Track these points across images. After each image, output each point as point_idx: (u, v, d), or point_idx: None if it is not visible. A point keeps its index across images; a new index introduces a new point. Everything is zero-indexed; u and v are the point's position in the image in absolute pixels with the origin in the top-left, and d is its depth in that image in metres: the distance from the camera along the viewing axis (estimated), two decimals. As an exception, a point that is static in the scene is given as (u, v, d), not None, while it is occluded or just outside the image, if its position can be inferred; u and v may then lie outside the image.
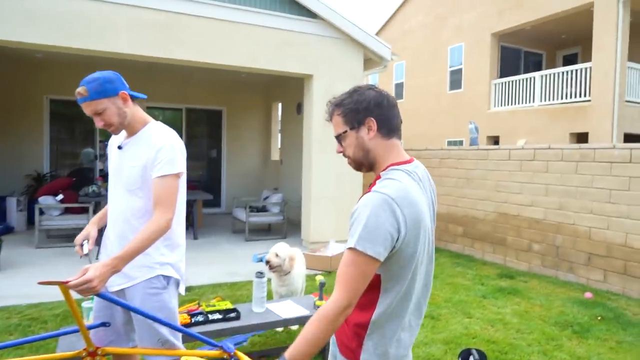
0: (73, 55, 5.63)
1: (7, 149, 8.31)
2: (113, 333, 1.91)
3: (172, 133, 1.90)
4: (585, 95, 9.38)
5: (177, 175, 1.83)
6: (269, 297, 3.51)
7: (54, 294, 3.59)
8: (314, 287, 4.23)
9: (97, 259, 2.02)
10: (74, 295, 1.44)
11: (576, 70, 9.63)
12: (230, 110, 10.43)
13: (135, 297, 1.83)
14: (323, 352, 2.81)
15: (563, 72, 9.92)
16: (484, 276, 5.51)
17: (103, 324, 1.73)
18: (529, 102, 10.56)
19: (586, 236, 5.22)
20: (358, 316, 1.27)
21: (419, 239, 1.22)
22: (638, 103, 9.32)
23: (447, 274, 5.52)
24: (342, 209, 6.67)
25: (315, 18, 6.48)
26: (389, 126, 1.31)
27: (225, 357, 1.55)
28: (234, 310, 2.75)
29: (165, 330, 1.83)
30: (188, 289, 4.34)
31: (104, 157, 8.99)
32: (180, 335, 1.92)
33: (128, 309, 1.56)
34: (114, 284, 1.84)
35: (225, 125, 10.43)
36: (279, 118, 10.85)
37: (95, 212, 6.44)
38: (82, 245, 1.91)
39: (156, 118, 1.96)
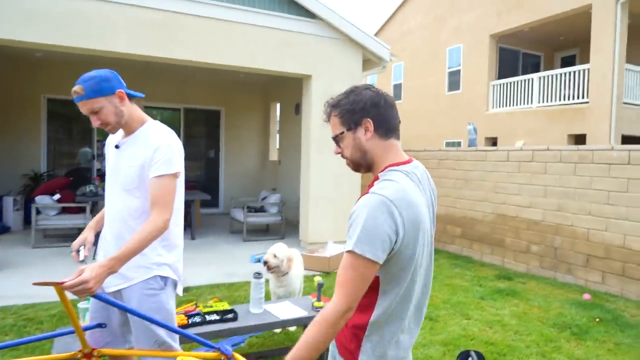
0: (71, 55, 5.62)
1: (4, 148, 8.28)
2: (109, 334, 1.89)
3: (170, 132, 1.88)
4: (583, 97, 9.40)
5: (175, 175, 1.81)
6: (267, 298, 3.50)
7: (50, 295, 3.56)
8: (312, 288, 4.22)
9: (94, 259, 2.00)
10: (70, 296, 1.42)
11: (574, 72, 9.65)
12: (228, 111, 10.41)
13: (132, 298, 1.81)
14: (322, 353, 2.79)
15: (561, 74, 9.94)
16: (482, 277, 5.51)
17: (99, 325, 1.71)
18: (527, 103, 10.58)
19: (584, 238, 5.22)
20: (356, 317, 1.26)
21: (418, 241, 1.21)
22: (636, 105, 9.33)
23: (446, 275, 5.52)
24: (340, 209, 6.66)
25: (314, 18, 6.48)
26: (387, 126, 1.30)
27: (222, 359, 1.54)
28: (231, 311, 2.74)
29: (162, 332, 1.81)
30: (185, 289, 4.32)
31: (101, 156, 8.96)
32: (177, 336, 1.90)
33: (124, 310, 1.55)
34: (111, 285, 1.82)
35: (223, 125, 10.41)
36: (278, 118, 10.84)
37: (92, 211, 6.42)
38: (78, 251, 1.90)
39: (154, 118, 1.94)
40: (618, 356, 3.34)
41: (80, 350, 1.55)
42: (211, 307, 2.81)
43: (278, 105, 10.58)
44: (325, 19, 6.47)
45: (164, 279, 1.86)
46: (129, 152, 1.84)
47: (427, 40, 13.52)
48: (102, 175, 7.94)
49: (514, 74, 11.76)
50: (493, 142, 11.27)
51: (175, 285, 1.93)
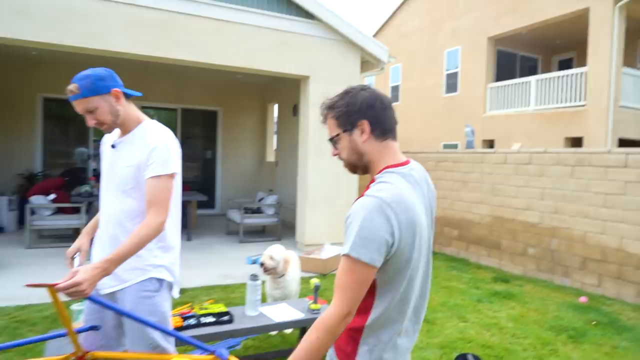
0: (67, 54, 5.58)
1: (-1, 148, 8.22)
2: (103, 337, 1.86)
3: (167, 132, 1.85)
4: (580, 100, 9.43)
5: (171, 176, 1.79)
6: (263, 300, 3.47)
7: (44, 296, 3.52)
8: (308, 290, 4.20)
9: (88, 260, 1.98)
10: (65, 298, 1.40)
11: (571, 75, 9.68)
12: (226, 111, 10.38)
13: (127, 300, 1.78)
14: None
15: (558, 77, 9.97)
16: (479, 280, 5.50)
17: (92, 328, 1.69)
18: (525, 106, 10.61)
19: (581, 240, 5.23)
20: (353, 320, 1.24)
21: (414, 244, 1.20)
22: (633, 108, 9.37)
23: (443, 278, 5.51)
24: (337, 211, 6.64)
25: (312, 19, 6.47)
26: (383, 128, 1.28)
27: (218, 362, 1.51)
28: (227, 313, 2.71)
29: (157, 335, 1.79)
30: (181, 291, 4.29)
31: (97, 156, 8.91)
32: (173, 339, 1.88)
33: (119, 312, 1.52)
34: (105, 286, 1.80)
35: (220, 126, 10.38)
36: (275, 119, 10.82)
37: (87, 212, 6.37)
38: (73, 258, 1.87)
39: (151, 118, 1.92)
40: (615, 359, 3.34)
41: (73, 353, 1.52)
42: (207, 309, 2.79)
43: (276, 106, 10.56)
44: (323, 20, 6.46)
45: (160, 281, 1.83)
46: (125, 152, 1.81)
47: (425, 43, 13.54)
48: (98, 176, 7.86)
49: (512, 76, 11.79)
50: (490, 144, 11.29)
51: (170, 287, 1.90)
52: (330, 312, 1.13)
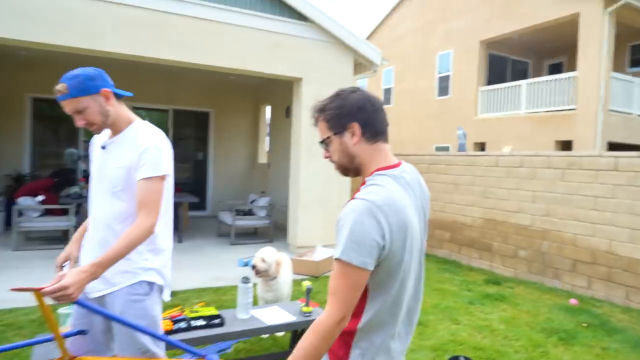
0: (57, 53, 5.50)
1: (-14, 148, 8.09)
2: (92, 342, 1.83)
3: (158, 133, 1.82)
4: (570, 104, 9.53)
5: (162, 178, 1.76)
6: (255, 302, 3.45)
7: (30, 299, 3.45)
8: (300, 293, 4.18)
9: (77, 263, 1.94)
10: (52, 302, 1.37)
11: (562, 79, 9.79)
12: (218, 112, 10.33)
13: (116, 304, 1.75)
14: None
15: (549, 81, 10.08)
16: (471, 282, 5.52)
17: (79, 332, 1.66)
18: (516, 109, 10.70)
19: (571, 243, 5.27)
20: (345, 324, 1.24)
21: (406, 246, 1.20)
22: (621, 112, 9.50)
23: (434, 280, 5.51)
24: (330, 213, 6.63)
25: (305, 21, 6.46)
26: (374, 130, 1.28)
27: (208, 367, 1.49)
28: (217, 316, 2.68)
29: (146, 339, 1.76)
30: (172, 293, 4.24)
31: (87, 157, 8.81)
32: (163, 343, 1.85)
33: (107, 317, 1.50)
34: (94, 290, 1.76)
35: (212, 127, 10.32)
36: (268, 121, 10.79)
37: (77, 214, 6.29)
38: (62, 267, 1.84)
39: (142, 119, 1.89)
40: (605, 361, 3.36)
41: (60, 358, 1.49)
42: (197, 312, 2.76)
43: (268, 107, 10.53)
44: (316, 22, 6.46)
45: (150, 284, 1.80)
46: (116, 153, 1.78)
47: (418, 45, 13.61)
48: (87, 177, 7.79)
49: (503, 80, 11.90)
50: (482, 147, 11.37)
51: (161, 290, 1.87)
52: (325, 317, 1.13)
